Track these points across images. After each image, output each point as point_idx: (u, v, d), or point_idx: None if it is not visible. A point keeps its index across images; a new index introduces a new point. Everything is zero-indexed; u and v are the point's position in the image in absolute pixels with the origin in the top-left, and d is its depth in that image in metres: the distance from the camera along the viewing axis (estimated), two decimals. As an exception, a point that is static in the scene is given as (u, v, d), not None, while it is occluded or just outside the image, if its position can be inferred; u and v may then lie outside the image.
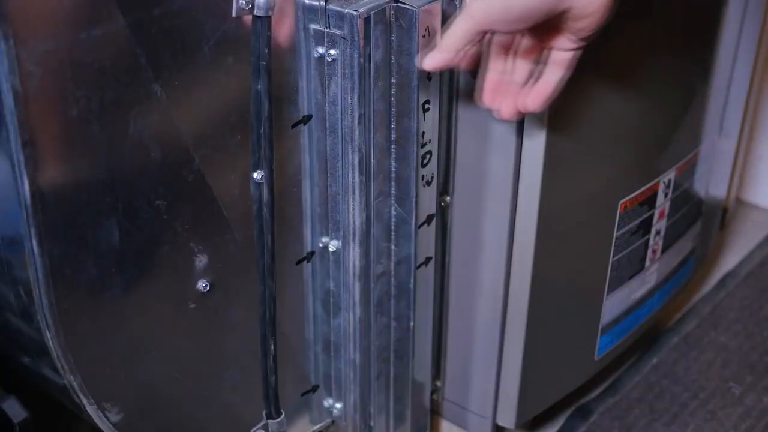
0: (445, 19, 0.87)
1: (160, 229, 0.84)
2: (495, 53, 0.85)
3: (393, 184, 0.93)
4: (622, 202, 1.10)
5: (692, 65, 1.18)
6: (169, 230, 0.85)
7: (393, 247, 0.96)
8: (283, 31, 0.85)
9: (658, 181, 1.15)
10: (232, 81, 0.84)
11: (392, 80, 0.88)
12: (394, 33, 0.86)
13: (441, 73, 0.92)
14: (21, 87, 0.70)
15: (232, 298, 0.93)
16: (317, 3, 0.85)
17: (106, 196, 0.79)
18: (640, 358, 1.33)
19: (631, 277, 1.18)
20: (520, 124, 0.95)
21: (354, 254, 0.95)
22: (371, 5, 0.85)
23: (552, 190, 0.99)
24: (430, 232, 0.99)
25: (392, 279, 0.98)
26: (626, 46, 1.02)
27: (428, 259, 1.00)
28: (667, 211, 1.20)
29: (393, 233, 0.96)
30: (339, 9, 0.84)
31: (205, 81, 0.83)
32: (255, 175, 0.86)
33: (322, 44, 0.86)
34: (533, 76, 0.85)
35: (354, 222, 0.93)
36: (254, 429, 1.00)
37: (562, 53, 0.83)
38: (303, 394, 1.04)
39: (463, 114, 0.97)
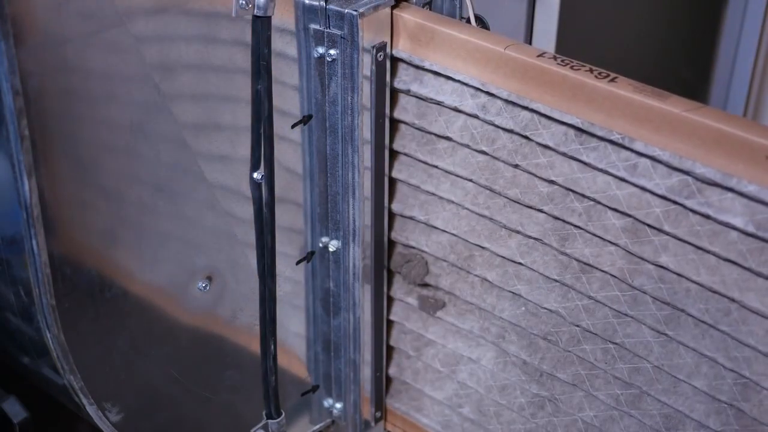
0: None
1: (160, 228, 0.84)
2: None
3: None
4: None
5: (692, 65, 1.18)
6: (170, 229, 0.85)
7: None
8: None
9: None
10: (234, 81, 0.84)
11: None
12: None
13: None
14: (21, 87, 0.70)
15: (231, 298, 0.93)
16: (317, 3, 0.85)
17: (106, 195, 0.79)
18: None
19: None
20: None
21: (354, 254, 0.95)
22: (371, 5, 0.85)
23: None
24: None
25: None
26: (621, 43, 1.02)
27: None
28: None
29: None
30: (339, 9, 0.84)
31: (206, 80, 0.83)
32: (255, 175, 0.86)
33: (322, 44, 0.86)
34: None
35: (354, 222, 0.93)
36: (254, 429, 1.00)
37: None
38: (303, 394, 1.04)
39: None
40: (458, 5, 0.93)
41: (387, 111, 0.91)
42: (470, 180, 0.91)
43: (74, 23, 0.72)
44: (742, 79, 1.48)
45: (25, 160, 0.73)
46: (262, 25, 0.80)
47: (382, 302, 1.01)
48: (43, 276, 0.77)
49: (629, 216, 0.82)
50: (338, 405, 1.05)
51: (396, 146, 0.94)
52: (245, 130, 0.83)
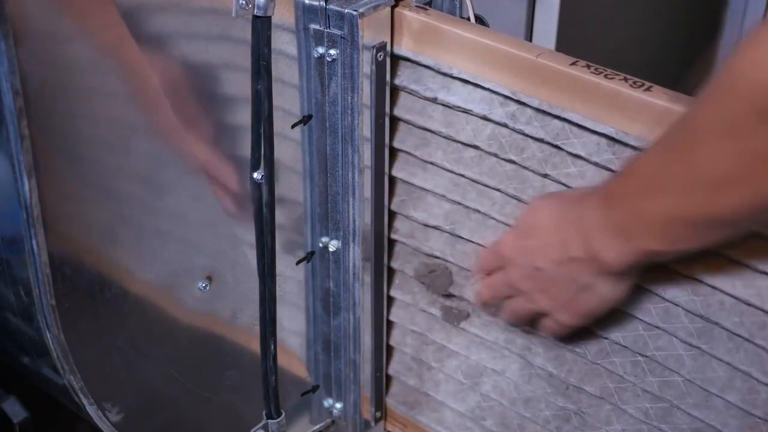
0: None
1: (161, 228, 0.84)
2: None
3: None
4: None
5: (692, 65, 1.18)
6: (170, 229, 0.85)
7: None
8: None
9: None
10: (234, 80, 0.84)
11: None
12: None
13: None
14: (21, 87, 0.70)
15: (231, 298, 0.93)
16: (317, 3, 0.85)
17: (107, 195, 0.79)
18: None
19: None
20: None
21: (354, 254, 0.95)
22: (371, 5, 0.85)
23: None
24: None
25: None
26: (621, 44, 1.02)
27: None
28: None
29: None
30: (339, 9, 0.84)
31: (206, 80, 0.83)
32: (255, 175, 0.86)
33: (322, 44, 0.86)
34: None
35: (354, 222, 0.93)
36: (254, 429, 1.00)
37: None
38: (303, 394, 1.04)
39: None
40: (458, 5, 0.93)
41: (387, 110, 0.91)
42: (498, 190, 0.89)
43: (74, 23, 0.72)
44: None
45: (25, 160, 0.73)
46: (262, 25, 0.80)
47: (382, 302, 1.01)
48: (43, 276, 0.77)
49: None
50: (338, 405, 1.05)
51: (421, 155, 0.93)
52: (245, 130, 0.83)
